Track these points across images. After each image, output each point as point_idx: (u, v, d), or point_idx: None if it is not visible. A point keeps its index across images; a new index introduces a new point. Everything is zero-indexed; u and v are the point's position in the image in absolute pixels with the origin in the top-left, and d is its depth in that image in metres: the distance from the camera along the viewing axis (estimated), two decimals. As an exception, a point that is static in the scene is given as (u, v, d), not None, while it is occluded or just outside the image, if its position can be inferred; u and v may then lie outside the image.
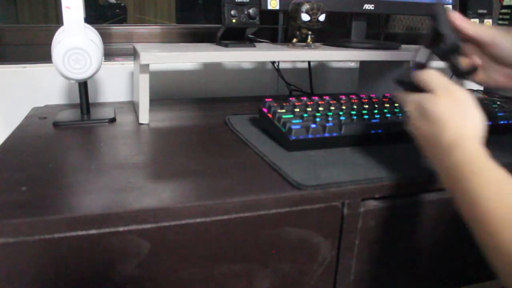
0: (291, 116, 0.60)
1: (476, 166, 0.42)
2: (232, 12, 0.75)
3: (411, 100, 0.49)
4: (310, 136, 0.56)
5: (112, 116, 0.74)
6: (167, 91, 0.96)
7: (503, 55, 0.54)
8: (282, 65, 1.05)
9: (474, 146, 0.43)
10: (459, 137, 0.43)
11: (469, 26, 0.55)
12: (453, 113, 0.45)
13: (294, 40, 0.84)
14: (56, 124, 0.69)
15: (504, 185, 0.39)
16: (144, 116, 0.72)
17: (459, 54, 0.55)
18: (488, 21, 0.99)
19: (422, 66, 0.54)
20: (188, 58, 0.72)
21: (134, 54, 0.79)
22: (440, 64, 0.56)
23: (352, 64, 1.14)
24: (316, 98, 0.68)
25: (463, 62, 0.56)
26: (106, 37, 1.00)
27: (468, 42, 0.57)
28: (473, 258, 0.57)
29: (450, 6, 0.95)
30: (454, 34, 0.53)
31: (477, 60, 0.57)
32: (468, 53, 0.57)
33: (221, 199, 0.43)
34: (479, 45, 0.56)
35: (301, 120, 0.59)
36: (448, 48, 0.52)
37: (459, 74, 0.56)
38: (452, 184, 0.42)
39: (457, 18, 0.55)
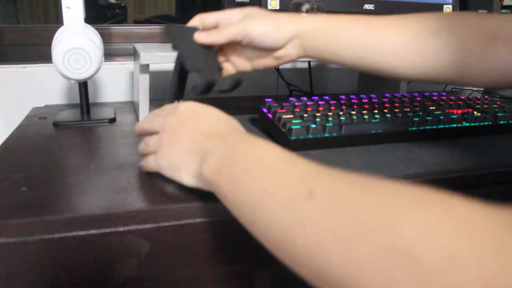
0: (291, 116, 0.60)
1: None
2: (232, 12, 0.75)
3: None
4: (310, 136, 0.56)
5: (112, 116, 0.74)
6: (167, 91, 0.96)
7: (259, 41, 0.55)
8: (282, 65, 1.05)
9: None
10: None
11: (218, 35, 0.55)
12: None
13: (294, 40, 0.84)
14: (56, 124, 0.69)
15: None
16: (144, 116, 0.72)
17: (220, 74, 0.54)
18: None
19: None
20: (188, 58, 0.72)
21: (134, 54, 0.79)
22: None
23: (352, 64, 1.14)
24: (316, 98, 0.69)
25: (225, 79, 0.56)
26: (106, 37, 1.00)
27: (227, 47, 0.58)
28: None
29: (451, 6, 0.95)
30: (205, 63, 0.50)
31: (238, 63, 0.60)
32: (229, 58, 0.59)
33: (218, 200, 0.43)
34: (238, 44, 0.56)
35: (301, 120, 0.59)
36: (204, 88, 0.49)
37: (224, 92, 0.55)
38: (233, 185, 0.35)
39: (203, 38, 0.55)
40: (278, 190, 0.30)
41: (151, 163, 0.46)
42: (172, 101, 0.55)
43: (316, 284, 0.27)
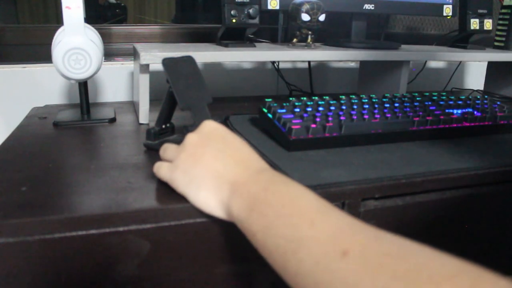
0: (291, 116, 0.60)
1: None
2: (232, 12, 0.76)
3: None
4: (310, 136, 0.56)
5: (112, 116, 0.74)
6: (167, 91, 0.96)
7: None
8: (282, 65, 1.05)
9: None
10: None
11: None
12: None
13: (294, 40, 0.84)
14: (56, 124, 0.69)
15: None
16: (144, 116, 0.72)
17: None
18: (488, 21, 0.99)
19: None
20: (188, 58, 0.72)
21: (134, 54, 0.79)
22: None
23: (352, 64, 1.14)
24: (316, 98, 0.68)
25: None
26: (106, 37, 1.00)
27: None
28: (472, 258, 0.57)
29: (451, 6, 0.95)
30: (196, 100, 0.51)
31: None
32: None
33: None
34: None
35: (301, 120, 0.59)
36: (195, 129, 0.48)
37: None
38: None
39: None
40: (312, 244, 0.31)
41: (163, 172, 0.45)
42: (159, 125, 0.57)
43: None
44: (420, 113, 0.64)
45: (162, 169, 0.45)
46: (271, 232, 0.33)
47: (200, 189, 0.40)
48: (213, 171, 0.40)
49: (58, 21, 1.26)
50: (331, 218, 0.33)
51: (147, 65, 0.68)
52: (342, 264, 0.28)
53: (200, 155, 0.41)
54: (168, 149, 0.46)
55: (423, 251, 0.28)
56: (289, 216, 0.33)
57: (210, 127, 0.43)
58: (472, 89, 1.15)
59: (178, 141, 0.46)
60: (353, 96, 0.71)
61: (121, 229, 0.40)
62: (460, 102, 0.73)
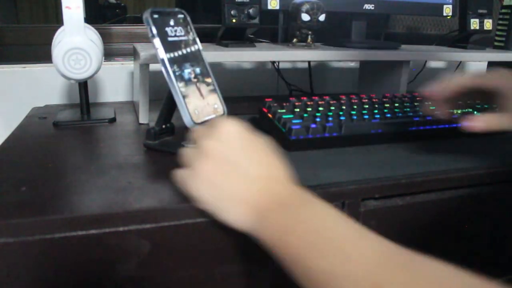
0: (291, 116, 0.60)
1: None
2: (232, 12, 0.76)
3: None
4: (310, 136, 0.56)
5: (112, 116, 0.74)
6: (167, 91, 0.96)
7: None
8: (282, 65, 1.05)
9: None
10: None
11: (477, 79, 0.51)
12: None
13: (294, 40, 0.84)
14: (56, 124, 0.69)
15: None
16: (144, 116, 0.72)
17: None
18: (488, 21, 0.99)
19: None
20: (188, 58, 0.72)
21: (134, 54, 0.79)
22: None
23: (352, 64, 1.14)
24: (316, 98, 0.68)
25: None
26: (106, 37, 1.00)
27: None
28: (472, 258, 0.57)
29: (451, 6, 0.95)
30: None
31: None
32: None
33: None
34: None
35: (301, 120, 0.59)
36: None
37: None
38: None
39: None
40: (344, 277, 0.30)
41: (184, 178, 0.41)
42: (159, 125, 0.57)
43: None
44: (420, 113, 0.64)
45: (181, 176, 0.42)
46: (301, 264, 0.33)
47: (229, 213, 0.39)
48: (240, 194, 0.38)
49: (58, 21, 1.26)
50: (363, 247, 0.32)
51: (147, 65, 0.68)
52: None
53: (225, 172, 0.39)
54: (188, 153, 0.42)
55: (461, 280, 0.28)
56: (319, 246, 0.33)
57: (232, 130, 0.40)
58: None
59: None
60: (353, 96, 0.71)
61: (121, 229, 0.40)
62: (460, 102, 0.73)
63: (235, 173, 0.39)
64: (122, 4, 1.31)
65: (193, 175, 0.40)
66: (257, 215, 0.37)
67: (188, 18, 0.50)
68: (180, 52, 0.47)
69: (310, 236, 0.33)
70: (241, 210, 0.38)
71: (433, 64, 1.22)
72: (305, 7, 0.76)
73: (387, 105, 0.68)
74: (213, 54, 0.72)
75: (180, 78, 0.46)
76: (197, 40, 0.50)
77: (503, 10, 1.03)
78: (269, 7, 0.82)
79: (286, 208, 0.36)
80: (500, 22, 1.04)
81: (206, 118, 0.47)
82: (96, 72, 0.66)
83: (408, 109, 0.66)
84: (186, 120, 0.45)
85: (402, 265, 0.30)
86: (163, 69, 0.46)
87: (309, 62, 1.05)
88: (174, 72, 0.46)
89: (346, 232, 0.34)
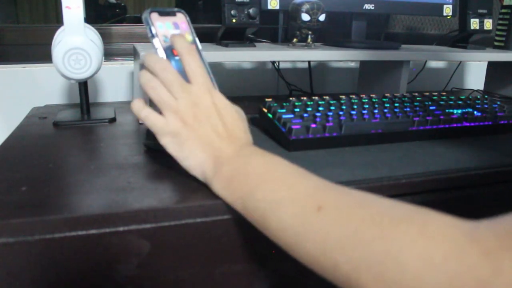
0: (291, 116, 0.60)
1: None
2: (232, 12, 0.76)
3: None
4: (310, 136, 0.56)
5: (112, 116, 0.74)
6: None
7: None
8: (282, 65, 1.05)
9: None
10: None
11: None
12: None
13: (294, 40, 0.84)
14: (56, 124, 0.69)
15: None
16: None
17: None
18: (488, 21, 0.99)
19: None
20: (188, 58, 0.72)
21: (134, 54, 0.79)
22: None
23: (352, 64, 1.14)
24: (316, 98, 0.68)
25: None
26: (106, 37, 1.00)
27: None
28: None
29: (451, 6, 0.95)
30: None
31: None
32: None
33: (221, 199, 0.43)
34: None
35: (301, 120, 0.59)
36: None
37: None
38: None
39: None
40: (291, 203, 0.35)
41: (153, 121, 0.45)
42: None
43: (324, 277, 0.32)
44: (420, 113, 0.64)
45: (151, 118, 0.45)
46: (250, 198, 0.38)
47: (188, 159, 0.44)
48: (202, 146, 0.43)
49: (58, 21, 1.26)
50: (307, 180, 0.37)
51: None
52: (318, 217, 0.33)
53: (197, 127, 0.43)
54: (163, 94, 0.45)
55: (384, 200, 0.33)
56: (268, 183, 0.38)
57: (203, 94, 0.45)
58: (472, 89, 1.15)
59: None
60: (353, 96, 0.71)
61: (121, 229, 0.40)
62: (460, 102, 0.73)
63: (203, 129, 0.43)
64: (122, 4, 1.31)
65: (164, 125, 0.44)
66: (214, 161, 0.42)
67: (188, 18, 0.50)
68: None
69: (258, 175, 0.39)
70: (200, 160, 0.43)
71: (433, 64, 1.22)
72: (305, 7, 0.76)
73: (387, 105, 0.68)
74: (213, 54, 0.72)
75: None
76: (197, 40, 0.50)
77: (503, 10, 1.03)
78: (269, 7, 0.82)
79: (240, 156, 0.42)
80: (500, 22, 1.04)
81: None
82: (96, 72, 0.66)
83: (408, 109, 0.66)
84: None
85: (343, 191, 0.35)
86: None
87: (309, 62, 1.05)
88: None
89: (292, 170, 0.39)
